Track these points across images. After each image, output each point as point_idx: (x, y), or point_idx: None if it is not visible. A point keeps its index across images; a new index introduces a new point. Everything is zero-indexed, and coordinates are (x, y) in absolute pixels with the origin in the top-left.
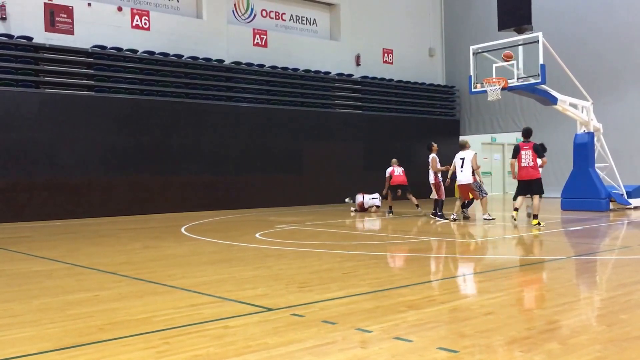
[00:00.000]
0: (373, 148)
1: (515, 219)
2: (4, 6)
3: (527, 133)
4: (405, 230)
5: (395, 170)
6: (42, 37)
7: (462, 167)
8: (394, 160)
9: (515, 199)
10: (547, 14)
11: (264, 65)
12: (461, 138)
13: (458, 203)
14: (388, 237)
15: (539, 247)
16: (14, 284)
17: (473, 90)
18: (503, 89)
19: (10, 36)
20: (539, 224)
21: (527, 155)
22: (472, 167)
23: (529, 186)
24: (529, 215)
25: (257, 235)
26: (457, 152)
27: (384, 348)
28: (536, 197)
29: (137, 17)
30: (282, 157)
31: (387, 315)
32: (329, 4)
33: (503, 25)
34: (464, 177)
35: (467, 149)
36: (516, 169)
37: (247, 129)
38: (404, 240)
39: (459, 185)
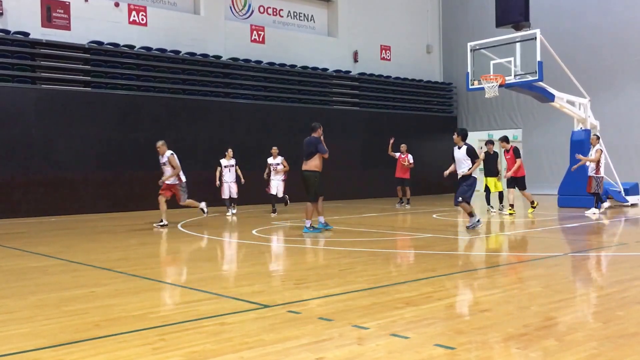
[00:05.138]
0: (371, 145)
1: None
2: (1, 2)
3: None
4: (403, 227)
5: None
6: (38, 32)
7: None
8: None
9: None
10: (545, 11)
11: (262, 62)
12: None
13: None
14: (385, 233)
15: (536, 244)
16: (9, 280)
17: (470, 87)
18: (500, 86)
19: (6, 32)
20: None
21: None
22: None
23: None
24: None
25: (253, 231)
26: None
27: (380, 345)
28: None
29: (134, 12)
30: (279, 154)
31: (383, 312)
32: (327, 0)
33: (501, 22)
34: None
35: None
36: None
37: (244, 125)
38: (400, 236)
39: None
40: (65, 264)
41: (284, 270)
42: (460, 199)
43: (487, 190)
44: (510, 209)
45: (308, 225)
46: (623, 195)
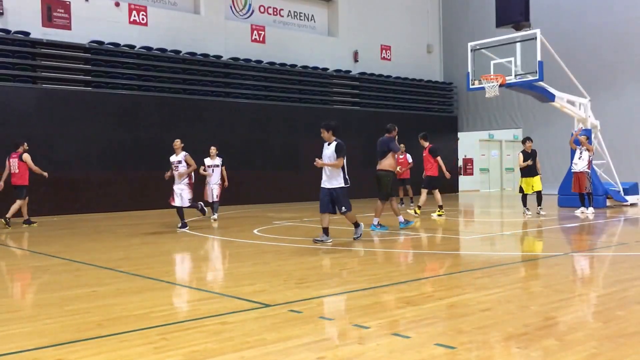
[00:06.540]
0: (371, 144)
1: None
2: (1, 1)
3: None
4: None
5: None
6: (39, 32)
7: None
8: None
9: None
10: (545, 11)
11: (262, 61)
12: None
13: None
14: (386, 233)
15: (536, 243)
16: (11, 279)
17: (471, 87)
18: (501, 85)
19: (7, 31)
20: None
21: None
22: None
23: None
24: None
25: (254, 231)
26: None
27: (381, 344)
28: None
29: (134, 12)
30: (279, 153)
31: (384, 311)
32: (327, 0)
33: (501, 22)
34: None
35: None
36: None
37: (244, 125)
38: (400, 236)
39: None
40: (66, 264)
41: (285, 269)
42: (344, 209)
43: (521, 191)
44: (417, 209)
45: (375, 222)
46: (622, 194)
